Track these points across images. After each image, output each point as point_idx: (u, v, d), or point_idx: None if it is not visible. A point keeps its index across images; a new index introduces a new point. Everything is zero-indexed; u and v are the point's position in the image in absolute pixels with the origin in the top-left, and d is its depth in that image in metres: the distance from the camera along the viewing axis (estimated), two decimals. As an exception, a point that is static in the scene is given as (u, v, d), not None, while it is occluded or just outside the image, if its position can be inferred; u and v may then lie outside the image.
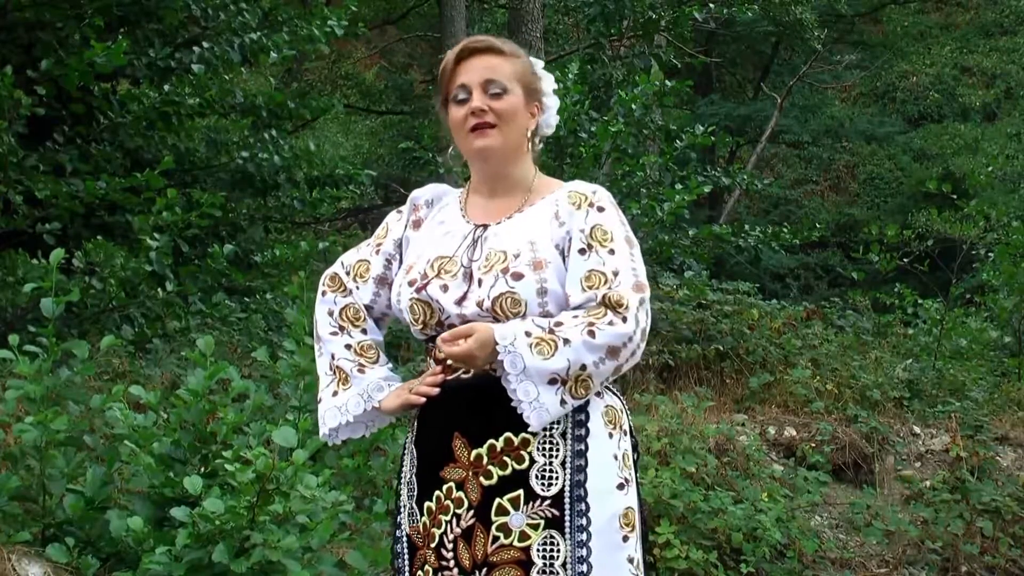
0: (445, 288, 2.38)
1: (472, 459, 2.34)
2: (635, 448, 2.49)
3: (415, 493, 2.43)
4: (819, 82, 21.74)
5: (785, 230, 9.42)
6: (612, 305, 2.30)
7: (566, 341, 2.26)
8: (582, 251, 2.37)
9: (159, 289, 6.30)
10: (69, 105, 6.92)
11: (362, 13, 11.41)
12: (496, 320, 2.33)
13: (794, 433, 6.22)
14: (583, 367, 2.27)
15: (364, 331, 2.54)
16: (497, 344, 2.26)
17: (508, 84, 2.45)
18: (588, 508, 2.33)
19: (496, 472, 2.33)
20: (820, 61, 20.00)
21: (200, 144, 8.46)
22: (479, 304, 2.34)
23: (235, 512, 3.30)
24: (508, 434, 2.33)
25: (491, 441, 2.34)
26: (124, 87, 7.50)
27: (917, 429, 6.53)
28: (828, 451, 6.05)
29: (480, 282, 2.36)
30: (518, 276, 2.34)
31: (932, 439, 6.44)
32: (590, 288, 2.33)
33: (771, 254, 12.36)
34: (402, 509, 2.48)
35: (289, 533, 3.40)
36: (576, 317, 2.30)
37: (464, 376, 2.37)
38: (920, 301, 9.35)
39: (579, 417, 2.36)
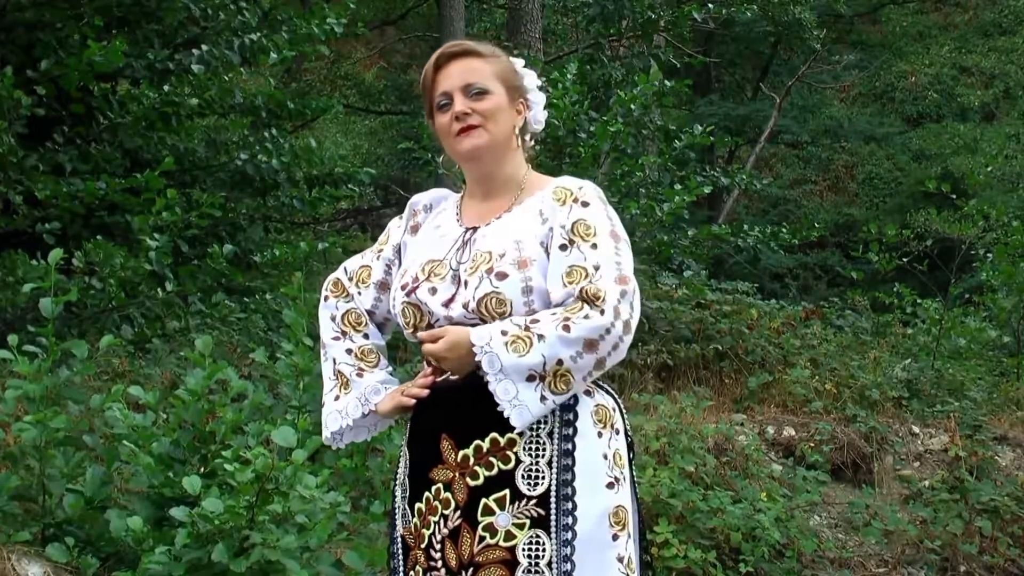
0: (433, 291, 2.40)
1: (459, 460, 2.35)
2: (631, 447, 2.48)
3: (407, 494, 2.45)
4: (818, 82, 21.75)
5: (784, 230, 9.43)
6: (589, 298, 2.28)
7: (540, 337, 2.26)
8: (563, 247, 2.35)
9: (159, 289, 6.31)
10: (69, 105, 6.93)
11: (361, 13, 11.42)
12: (483, 321, 2.34)
13: (793, 433, 6.22)
14: (559, 362, 2.26)
15: (366, 336, 2.57)
16: (473, 346, 2.28)
17: (488, 84, 2.46)
18: (575, 507, 2.32)
19: (482, 473, 2.33)
20: (819, 61, 20.00)
21: (200, 144, 8.46)
22: (465, 306, 2.35)
23: (234, 512, 3.30)
24: (494, 434, 2.34)
25: (477, 442, 2.35)
26: (124, 87, 7.51)
27: (916, 429, 6.53)
28: (827, 451, 6.05)
29: (466, 284, 2.38)
30: (502, 276, 2.35)
31: (931, 439, 6.44)
32: (571, 283, 2.31)
33: (770, 254, 12.34)
34: (397, 511, 2.50)
35: (288, 533, 3.40)
36: (554, 314, 2.29)
37: (453, 378, 2.38)
38: (919, 301, 9.35)
39: (567, 416, 2.36)
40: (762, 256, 11.55)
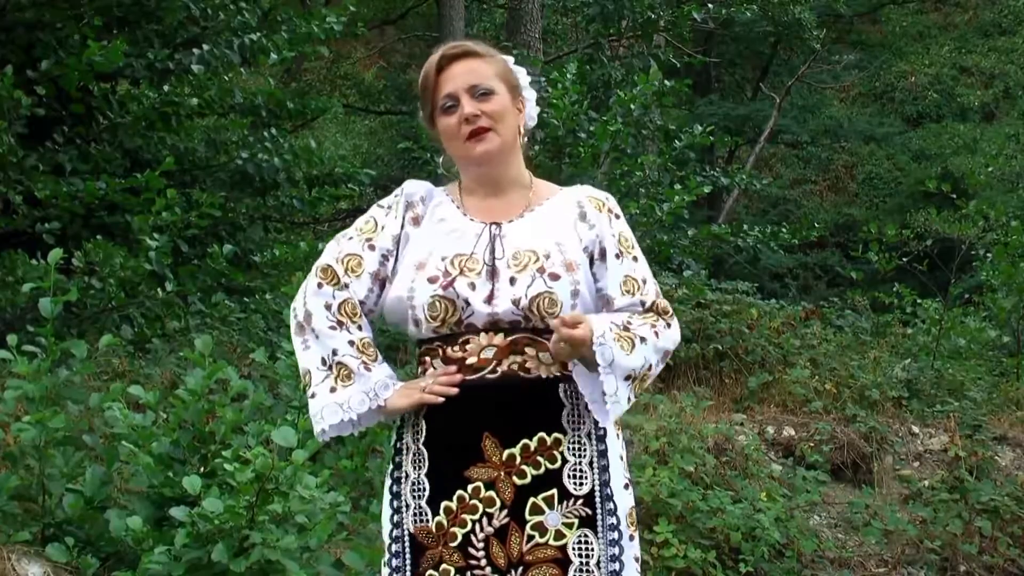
0: (472, 286, 2.36)
1: (504, 459, 2.34)
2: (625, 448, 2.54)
3: (424, 492, 2.39)
4: (818, 82, 21.76)
5: (784, 230, 9.44)
6: (660, 311, 2.45)
7: (642, 339, 2.35)
8: (618, 256, 2.45)
9: (158, 289, 6.30)
10: (69, 105, 6.93)
11: (361, 13, 11.41)
12: (526, 319, 2.34)
13: (793, 433, 6.22)
14: (649, 367, 2.37)
15: (360, 327, 2.46)
16: (594, 335, 2.28)
17: (493, 85, 2.45)
18: (616, 508, 2.37)
19: (530, 471, 2.33)
20: (819, 61, 20.02)
21: (199, 144, 8.46)
22: (515, 302, 2.34)
23: (234, 512, 3.30)
24: (541, 434, 2.34)
25: (524, 441, 2.34)
26: (124, 87, 7.51)
27: (916, 429, 6.53)
28: (827, 451, 6.05)
29: (513, 280, 2.36)
30: (555, 277, 2.36)
31: (931, 439, 6.45)
32: (627, 293, 2.43)
33: (770, 254, 12.36)
34: (404, 509, 2.42)
35: (288, 533, 3.40)
36: (634, 319, 2.40)
37: (489, 376, 2.36)
38: (919, 301, 9.35)
39: None
40: (762, 256, 11.56)
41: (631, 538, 2.40)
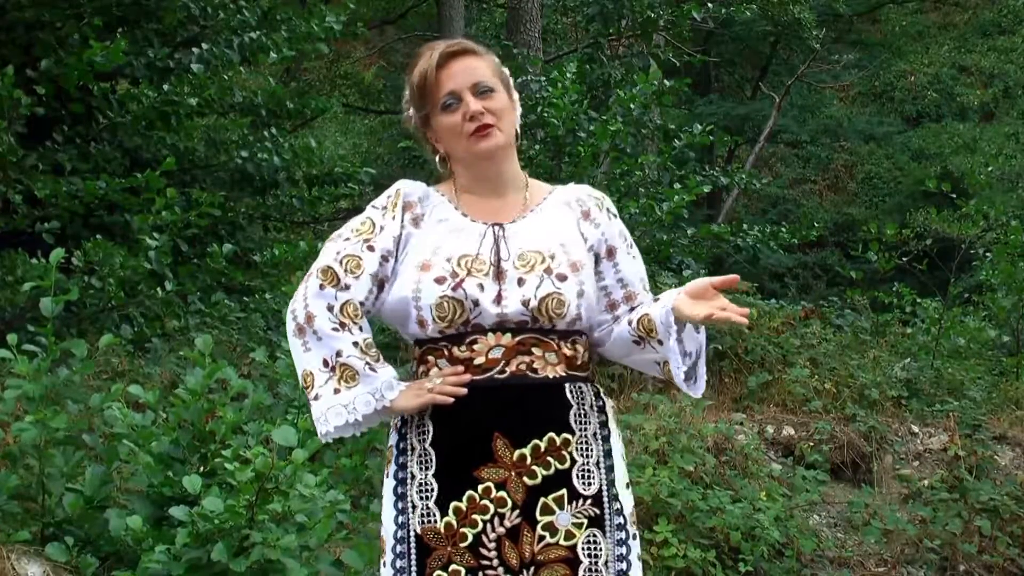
0: (481, 287, 2.36)
1: (515, 459, 2.34)
2: None
3: (433, 493, 2.38)
4: (817, 81, 21.77)
5: (783, 229, 9.44)
6: None
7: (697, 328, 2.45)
8: (628, 253, 2.55)
9: (158, 288, 6.31)
10: (68, 105, 6.93)
11: (361, 13, 11.41)
12: (535, 320, 2.36)
13: (792, 432, 6.22)
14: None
15: (361, 328, 2.44)
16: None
17: (492, 82, 2.46)
18: (622, 507, 2.39)
19: (540, 472, 2.34)
20: (818, 60, 20.03)
21: (199, 143, 8.47)
22: (524, 303, 2.35)
23: (234, 511, 3.30)
24: (551, 434, 2.35)
25: (535, 441, 2.35)
26: (123, 87, 7.52)
27: (915, 428, 6.53)
28: (826, 450, 6.05)
29: (521, 281, 2.37)
30: (563, 277, 2.37)
31: (930, 438, 6.45)
32: (645, 290, 2.55)
33: (769, 253, 12.34)
34: (410, 510, 2.40)
35: (288, 532, 3.40)
36: None
37: (498, 376, 2.36)
38: (918, 300, 9.35)
39: (602, 418, 2.42)
40: (761, 255, 11.54)
41: (634, 537, 2.41)
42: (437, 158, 2.55)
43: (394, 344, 6.37)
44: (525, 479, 2.34)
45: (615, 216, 2.56)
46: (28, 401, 3.75)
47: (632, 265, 2.54)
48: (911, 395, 6.92)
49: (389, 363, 2.48)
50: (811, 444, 6.05)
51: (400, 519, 2.42)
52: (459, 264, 2.39)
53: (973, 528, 5.46)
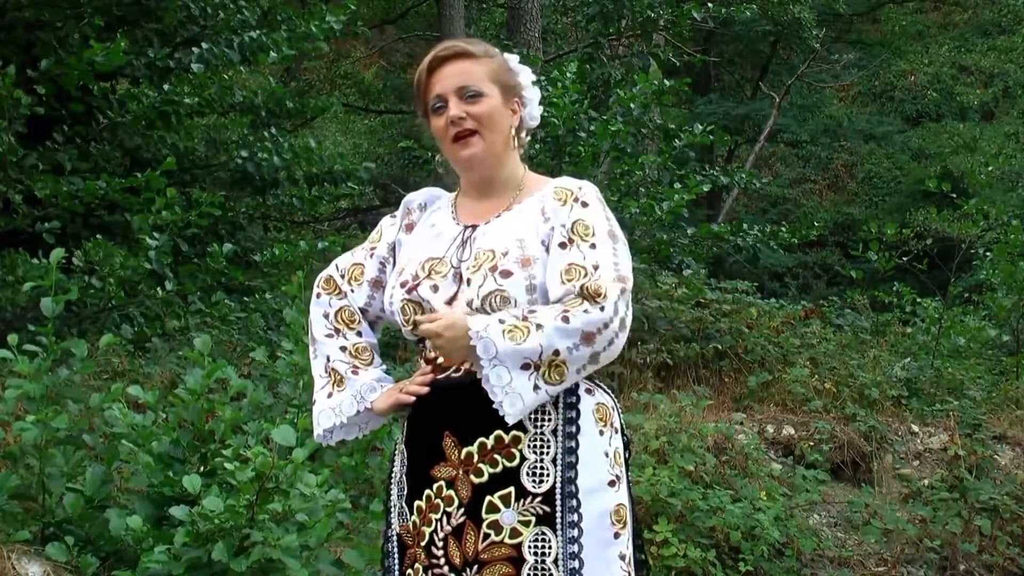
0: (435, 288, 2.40)
1: (462, 457, 2.35)
2: (627, 446, 2.50)
3: (404, 492, 2.44)
4: (817, 81, 21.75)
5: (783, 229, 9.42)
6: (590, 295, 2.30)
7: (539, 326, 2.26)
8: (562, 245, 2.37)
9: (158, 288, 6.31)
10: (69, 104, 6.93)
11: (361, 12, 11.41)
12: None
13: (792, 432, 6.22)
14: (556, 352, 2.26)
15: (359, 333, 2.55)
16: (470, 330, 2.27)
17: (482, 87, 2.45)
18: (579, 504, 2.33)
19: (487, 470, 2.34)
20: (818, 60, 20.02)
21: (199, 143, 8.46)
22: (469, 303, 2.35)
23: (234, 511, 3.30)
24: (499, 432, 2.34)
25: (481, 439, 2.35)
26: (123, 87, 7.51)
27: (915, 428, 6.53)
28: (826, 450, 6.05)
29: (469, 281, 2.38)
30: (507, 273, 2.35)
31: (930, 438, 6.44)
32: (569, 281, 2.32)
33: (769, 253, 12.35)
34: (392, 509, 2.49)
35: (288, 531, 3.40)
36: (546, 307, 2.32)
37: (454, 375, 2.38)
38: (918, 300, 9.35)
39: (570, 415, 2.37)
40: (761, 255, 11.54)
41: (616, 536, 2.36)
42: (439, 156, 2.59)
43: (392, 343, 6.37)
44: (471, 477, 2.34)
45: (585, 205, 2.42)
46: (28, 401, 3.75)
47: (560, 259, 2.35)
48: (911, 395, 6.92)
49: (388, 362, 2.52)
50: (811, 444, 6.05)
51: (388, 518, 2.52)
52: (422, 267, 2.44)
53: (973, 528, 5.46)
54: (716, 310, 7.49)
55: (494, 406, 2.27)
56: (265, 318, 7.02)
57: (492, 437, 2.34)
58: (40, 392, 3.74)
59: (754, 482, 5.39)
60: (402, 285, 2.44)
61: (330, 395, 2.52)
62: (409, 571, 2.40)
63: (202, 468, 3.69)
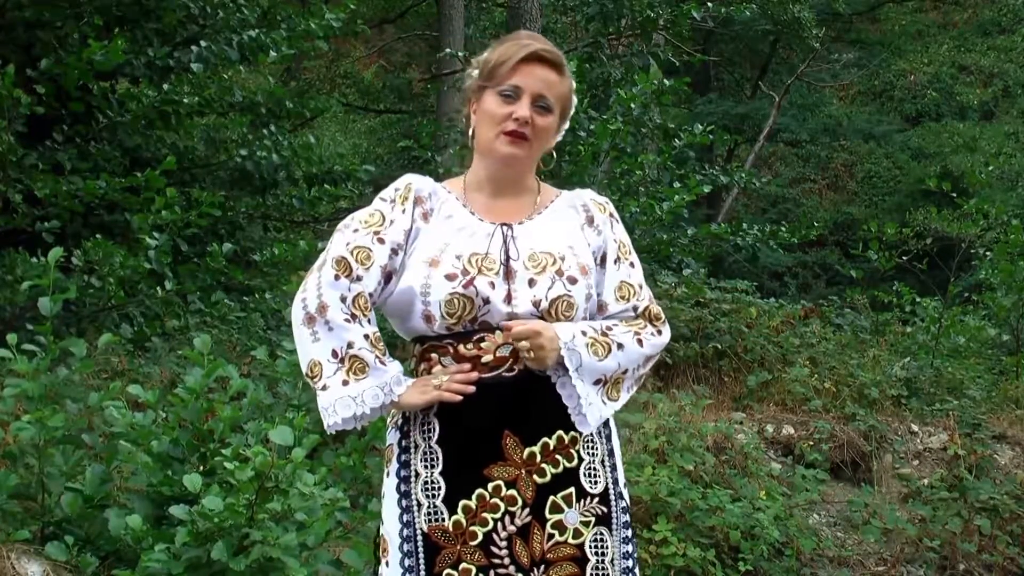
0: (492, 285, 2.38)
1: (525, 457, 2.37)
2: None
3: (440, 491, 2.38)
4: (817, 81, 21.77)
5: (783, 228, 9.42)
6: (651, 318, 2.50)
7: (619, 345, 2.40)
8: (616, 261, 2.52)
9: (158, 288, 6.31)
10: (68, 104, 6.92)
11: (361, 12, 11.41)
12: (543, 320, 2.37)
13: (792, 431, 6.22)
14: (624, 371, 2.42)
15: (370, 321, 2.43)
16: (560, 340, 2.33)
17: (554, 104, 2.49)
18: (628, 507, 2.43)
19: (549, 470, 2.37)
20: (818, 60, 20.03)
21: (199, 143, 8.46)
22: (535, 304, 2.37)
23: (234, 510, 3.30)
24: (560, 432, 2.38)
25: (544, 439, 2.38)
26: (123, 86, 7.51)
27: (915, 427, 6.52)
28: (826, 449, 6.05)
29: (532, 282, 2.39)
30: (573, 280, 2.41)
31: (930, 437, 6.44)
32: (622, 299, 2.48)
33: (769, 252, 12.36)
34: (416, 508, 2.39)
35: (288, 531, 3.40)
36: (618, 325, 2.44)
37: (506, 375, 2.37)
38: (918, 299, 9.34)
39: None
40: (761, 255, 11.55)
41: (634, 535, 2.47)
42: (470, 132, 2.57)
43: (390, 342, 6.37)
44: (535, 477, 2.36)
45: (617, 222, 2.58)
46: (27, 400, 3.75)
47: (614, 275, 2.51)
48: (911, 394, 6.92)
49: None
50: (811, 443, 6.05)
51: (405, 518, 2.41)
52: (469, 262, 2.40)
53: (973, 527, 5.46)
54: (716, 310, 7.49)
55: (573, 415, 2.37)
56: (265, 318, 7.02)
57: (554, 437, 2.39)
58: (39, 392, 3.73)
59: (754, 481, 5.39)
60: (448, 277, 2.36)
61: (345, 383, 2.38)
62: (450, 571, 2.35)
63: (202, 467, 3.68)
